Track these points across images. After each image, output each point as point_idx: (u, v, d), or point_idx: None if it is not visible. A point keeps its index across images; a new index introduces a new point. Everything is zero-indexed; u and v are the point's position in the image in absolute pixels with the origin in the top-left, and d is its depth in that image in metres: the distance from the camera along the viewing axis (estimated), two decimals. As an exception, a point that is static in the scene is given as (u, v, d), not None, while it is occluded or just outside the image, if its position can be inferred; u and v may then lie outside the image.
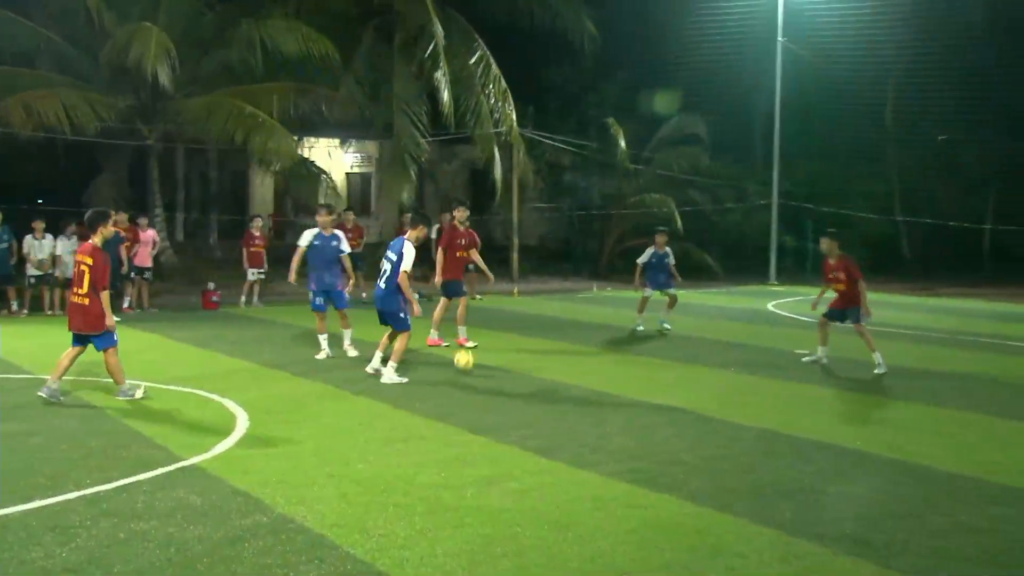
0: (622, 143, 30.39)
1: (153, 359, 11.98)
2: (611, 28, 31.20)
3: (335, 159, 32.20)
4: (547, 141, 31.00)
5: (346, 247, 12.94)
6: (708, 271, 30.49)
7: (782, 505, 6.32)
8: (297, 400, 9.79)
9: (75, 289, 9.38)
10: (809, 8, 31.50)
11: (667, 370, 12.21)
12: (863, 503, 6.40)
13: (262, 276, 19.97)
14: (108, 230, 9.58)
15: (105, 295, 9.30)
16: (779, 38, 29.45)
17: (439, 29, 25.85)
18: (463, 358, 11.54)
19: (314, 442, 7.95)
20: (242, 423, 8.55)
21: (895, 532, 5.80)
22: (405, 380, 10.82)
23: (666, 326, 16.33)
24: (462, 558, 5.30)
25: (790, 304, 22.11)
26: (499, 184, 28.40)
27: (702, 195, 31.88)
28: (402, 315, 10.99)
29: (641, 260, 16.31)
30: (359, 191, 35.49)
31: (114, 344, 9.41)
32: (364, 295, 21.06)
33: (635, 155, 31.36)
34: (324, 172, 27.69)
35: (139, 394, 9.55)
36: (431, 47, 26.02)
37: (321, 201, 27.66)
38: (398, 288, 10.89)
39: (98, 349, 9.36)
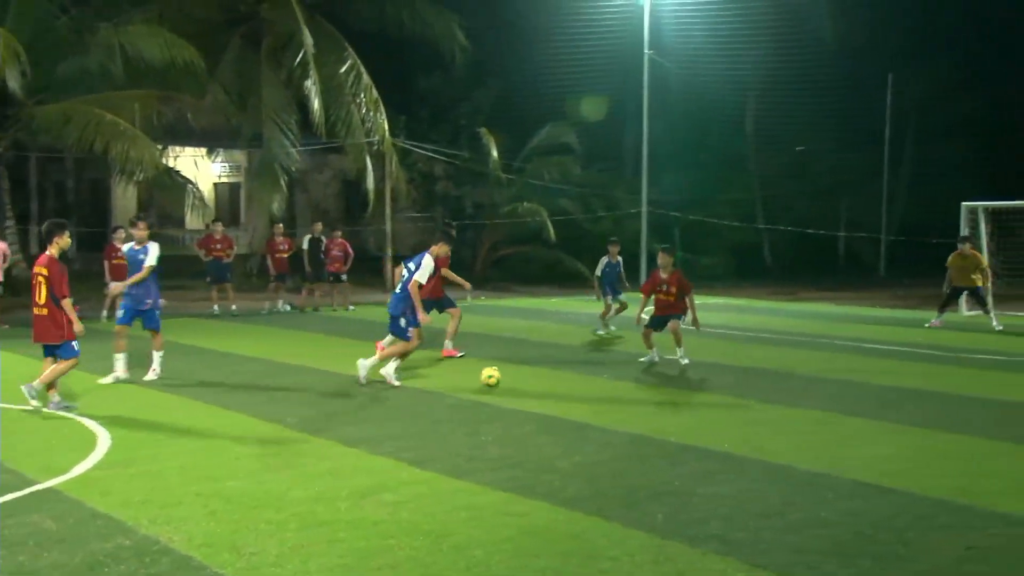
0: (494, 152, 30.62)
1: (5, 377, 11.37)
2: (482, 38, 31.45)
3: (202, 169, 31.36)
4: (419, 150, 30.99)
5: (151, 261, 11.58)
6: (580, 279, 30.97)
7: (653, 508, 6.47)
8: (162, 416, 9.46)
9: (35, 300, 9.49)
10: (674, 23, 32.48)
11: (540, 378, 12.34)
12: (730, 503, 6.61)
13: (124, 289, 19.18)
14: (64, 241, 9.67)
15: (67, 303, 9.46)
16: (646, 51, 30.23)
17: (308, 37, 25.51)
18: (492, 373, 11.33)
19: (180, 459, 7.69)
20: (103, 442, 8.21)
21: (759, 530, 6.01)
22: (397, 384, 11.08)
23: (601, 332, 17.20)
24: (336, 573, 5.23)
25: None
26: (372, 194, 28.22)
27: (574, 204, 32.40)
28: (403, 322, 11.26)
29: (597, 272, 17.45)
30: (228, 201, 34.66)
31: (75, 356, 9.68)
32: (234, 307, 20.56)
33: (507, 164, 31.66)
34: (191, 182, 26.91)
35: (45, 407, 9.60)
36: (300, 55, 25.66)
37: (187, 211, 27.00)
38: (407, 296, 11.20)
39: (61, 358, 9.62)
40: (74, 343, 9.65)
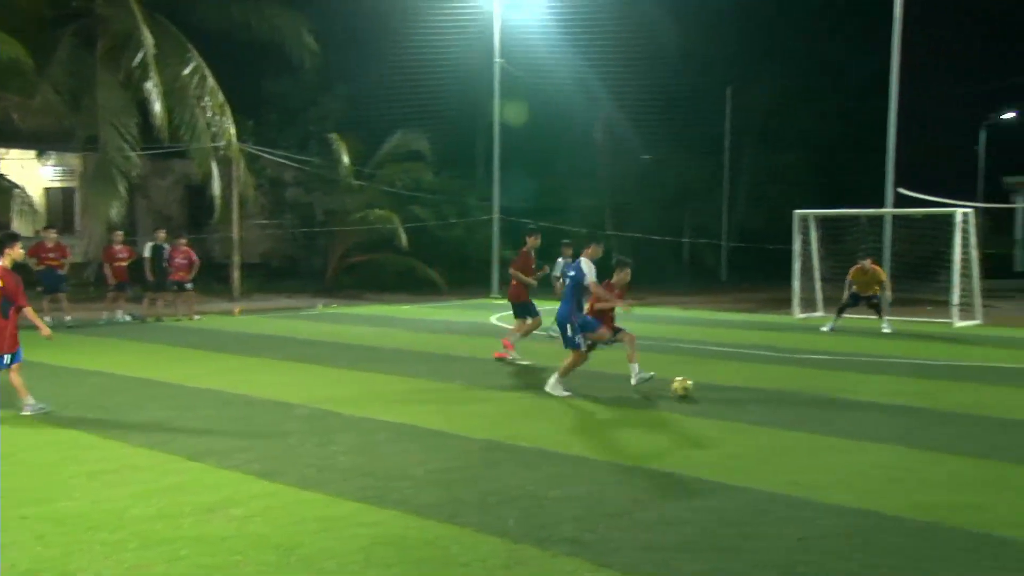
0: (345, 158, 30.30)
1: None
2: (332, 42, 31.05)
3: (31, 172, 29.70)
4: (268, 156, 30.30)
5: None
6: (433, 286, 30.99)
7: (506, 512, 6.51)
8: (-12, 436, 8.87)
9: None
10: (524, 32, 32.92)
11: (394, 385, 12.24)
12: (581, 505, 6.71)
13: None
14: (16, 252, 9.65)
15: (29, 311, 9.67)
16: (496, 59, 30.52)
17: (148, 37, 24.50)
18: (687, 384, 11.27)
19: (4, 482, 7.22)
20: (-81, 466, 7.64)
21: (608, 530, 6.13)
22: (567, 394, 11.02)
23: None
24: (178, 594, 5.03)
25: (511, 316, 22.85)
26: (218, 200, 27.39)
27: (426, 211, 32.42)
28: (569, 333, 11.29)
29: (556, 273, 17.33)
30: (61, 207, 32.89)
31: (4, 367, 9.65)
32: (68, 318, 19.54)
33: (359, 171, 31.35)
34: (17, 186, 25.41)
35: (29, 410, 9.71)
36: (140, 56, 24.60)
37: (14, 218, 25.45)
38: (570, 303, 11.30)
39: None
40: (5, 357, 9.60)
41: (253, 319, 22.04)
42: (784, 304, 24.54)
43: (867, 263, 19.51)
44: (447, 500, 6.80)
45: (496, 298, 29.33)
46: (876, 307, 19.56)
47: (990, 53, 45.62)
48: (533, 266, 15.04)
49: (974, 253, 21.87)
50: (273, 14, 28.15)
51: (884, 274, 19.91)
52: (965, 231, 21.63)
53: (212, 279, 27.72)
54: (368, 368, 13.76)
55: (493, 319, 22.28)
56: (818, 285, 24.01)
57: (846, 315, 20.00)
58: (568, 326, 11.40)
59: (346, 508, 6.57)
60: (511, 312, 15.44)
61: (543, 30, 33.79)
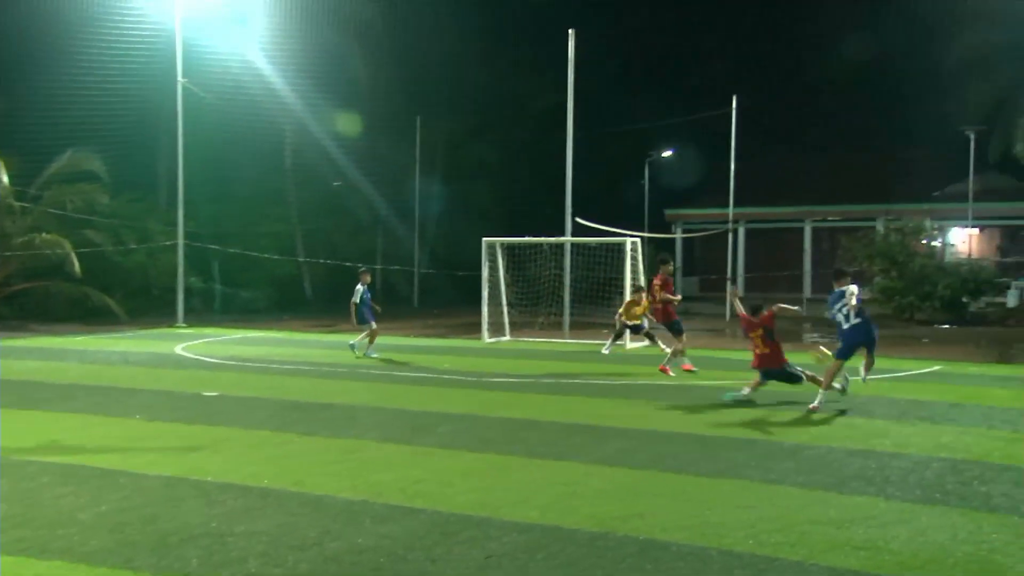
0: (5, 178, 27.69)
1: None
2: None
3: None
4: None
5: None
6: (110, 315, 28.95)
7: (187, 552, 6.20)
8: None
9: None
10: (209, 52, 31.78)
11: (63, 423, 11.27)
12: (268, 539, 6.53)
13: None
14: None
15: None
16: (179, 79, 29.15)
17: None
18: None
19: None
20: None
21: (297, 563, 6.01)
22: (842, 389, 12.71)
23: (375, 355, 19.20)
24: None
25: (198, 346, 21.89)
26: None
27: (102, 235, 30.33)
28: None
29: (356, 299, 19.44)
30: None
31: None
32: None
33: (21, 192, 28.75)
34: None
35: None
36: None
37: None
38: (869, 322, 12.50)
39: None
40: None
41: None
42: (474, 329, 25.33)
43: (640, 295, 20.42)
44: (121, 544, 6.36)
45: (181, 327, 27.89)
46: (647, 335, 20.70)
47: (652, 94, 50.09)
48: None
49: (642, 279, 23.76)
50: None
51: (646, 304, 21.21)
52: (634, 259, 23.47)
53: None
54: (32, 406, 12.56)
55: (178, 349, 21.16)
56: (506, 310, 25.02)
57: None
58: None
59: None
60: (668, 331, 17.05)
61: (231, 52, 32.83)
